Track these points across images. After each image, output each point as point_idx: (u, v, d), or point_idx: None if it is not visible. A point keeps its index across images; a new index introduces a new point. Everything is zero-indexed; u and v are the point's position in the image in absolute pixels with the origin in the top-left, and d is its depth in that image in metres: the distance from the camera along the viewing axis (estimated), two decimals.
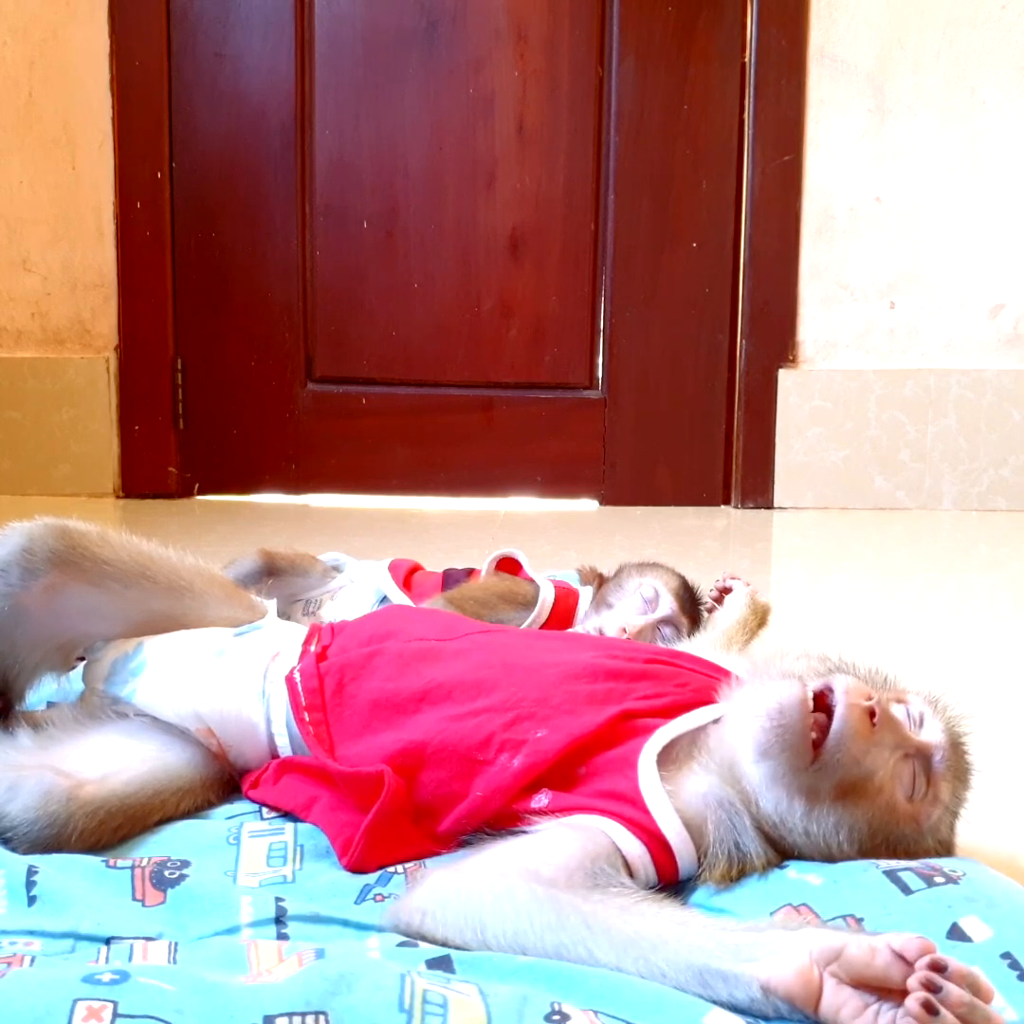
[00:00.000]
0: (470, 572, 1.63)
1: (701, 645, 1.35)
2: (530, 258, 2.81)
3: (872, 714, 0.93)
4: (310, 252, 2.80)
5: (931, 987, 0.71)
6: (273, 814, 1.08)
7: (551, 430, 2.85)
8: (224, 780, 1.12)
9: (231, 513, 2.72)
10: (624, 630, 1.47)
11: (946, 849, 0.95)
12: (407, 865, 0.99)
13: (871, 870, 0.89)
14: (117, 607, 1.15)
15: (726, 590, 1.55)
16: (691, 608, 1.54)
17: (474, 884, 0.87)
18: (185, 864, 0.95)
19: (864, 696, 0.93)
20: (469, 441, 2.85)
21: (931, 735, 0.95)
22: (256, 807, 1.09)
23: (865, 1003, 0.74)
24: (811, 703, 0.93)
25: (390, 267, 2.80)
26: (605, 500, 2.87)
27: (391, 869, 0.98)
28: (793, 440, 2.81)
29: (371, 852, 0.99)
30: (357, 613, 1.47)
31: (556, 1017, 0.73)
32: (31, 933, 0.85)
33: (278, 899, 0.91)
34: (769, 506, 2.83)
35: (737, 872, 0.93)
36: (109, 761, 1.05)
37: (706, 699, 1.03)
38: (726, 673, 1.08)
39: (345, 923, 0.89)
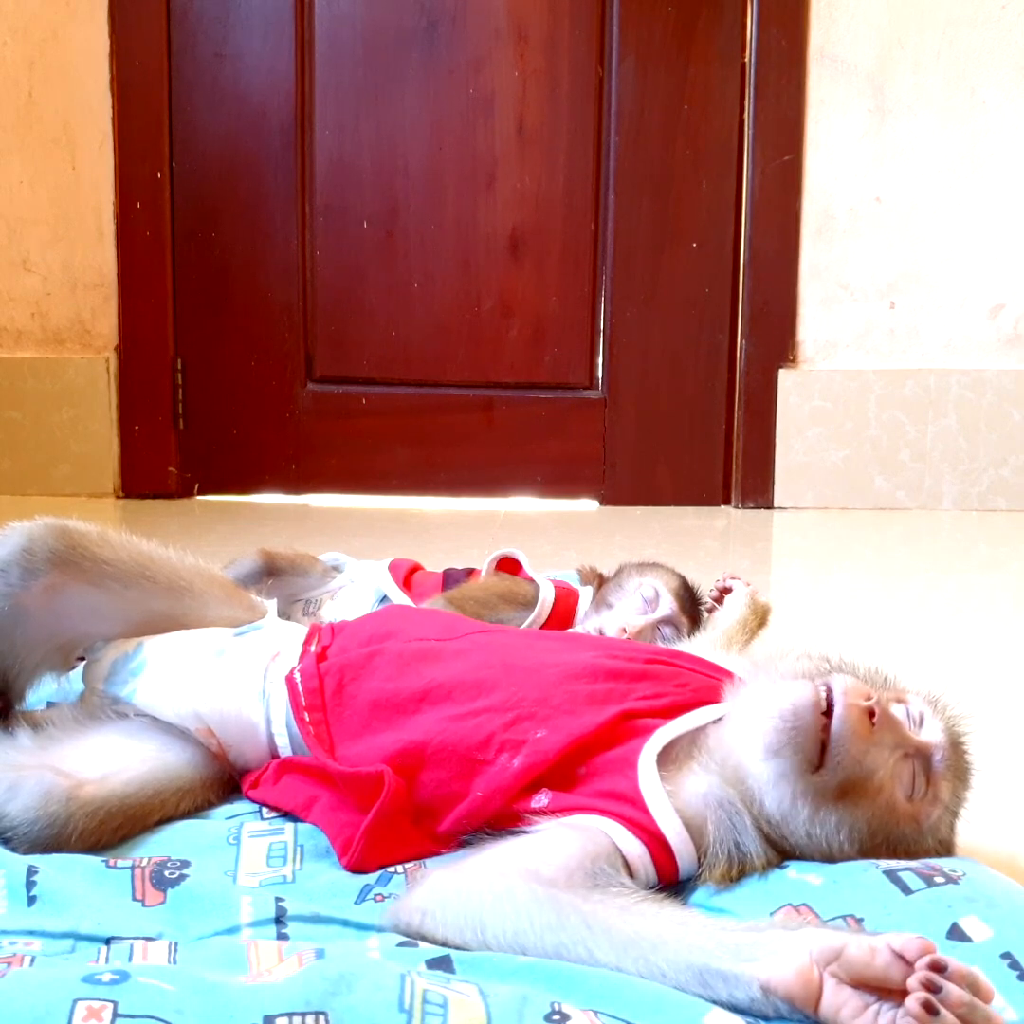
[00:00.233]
0: (470, 572, 1.63)
1: (701, 645, 1.35)
2: (530, 258, 2.81)
3: (871, 714, 0.93)
4: (310, 252, 2.80)
5: (931, 987, 0.71)
6: (273, 814, 1.08)
7: (551, 430, 2.85)
8: (224, 780, 1.12)
9: (231, 513, 2.72)
10: (624, 630, 1.47)
11: (946, 849, 0.95)
12: (407, 865, 0.99)
13: (871, 870, 0.89)
14: (117, 607, 1.15)
15: (726, 590, 1.55)
16: (691, 608, 1.54)
17: (474, 884, 0.87)
18: (185, 864, 0.95)
19: (863, 696, 0.93)
20: (469, 441, 2.85)
21: (931, 735, 0.95)
22: (256, 807, 1.09)
23: (865, 1003, 0.74)
24: (823, 705, 0.93)
25: (390, 267, 2.80)
26: (605, 500, 2.87)
27: (391, 869, 0.98)
28: (793, 440, 2.81)
29: (371, 852, 0.99)
30: (357, 613, 1.48)
31: (556, 1017, 0.73)
32: (31, 933, 0.85)
33: (278, 899, 0.91)
34: (769, 506, 2.83)
35: (737, 872, 0.93)
36: (109, 761, 1.05)
37: (706, 699, 1.03)
38: (726, 673, 1.08)
39: (345, 923, 0.89)
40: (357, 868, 0.98)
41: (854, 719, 0.92)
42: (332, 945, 0.81)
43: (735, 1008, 0.77)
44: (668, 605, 1.51)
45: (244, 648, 1.15)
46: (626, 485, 2.86)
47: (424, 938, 0.85)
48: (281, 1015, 0.69)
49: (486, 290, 2.82)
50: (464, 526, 2.64)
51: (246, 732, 1.11)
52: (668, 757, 0.98)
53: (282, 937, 0.87)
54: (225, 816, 1.08)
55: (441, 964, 0.80)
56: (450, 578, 1.61)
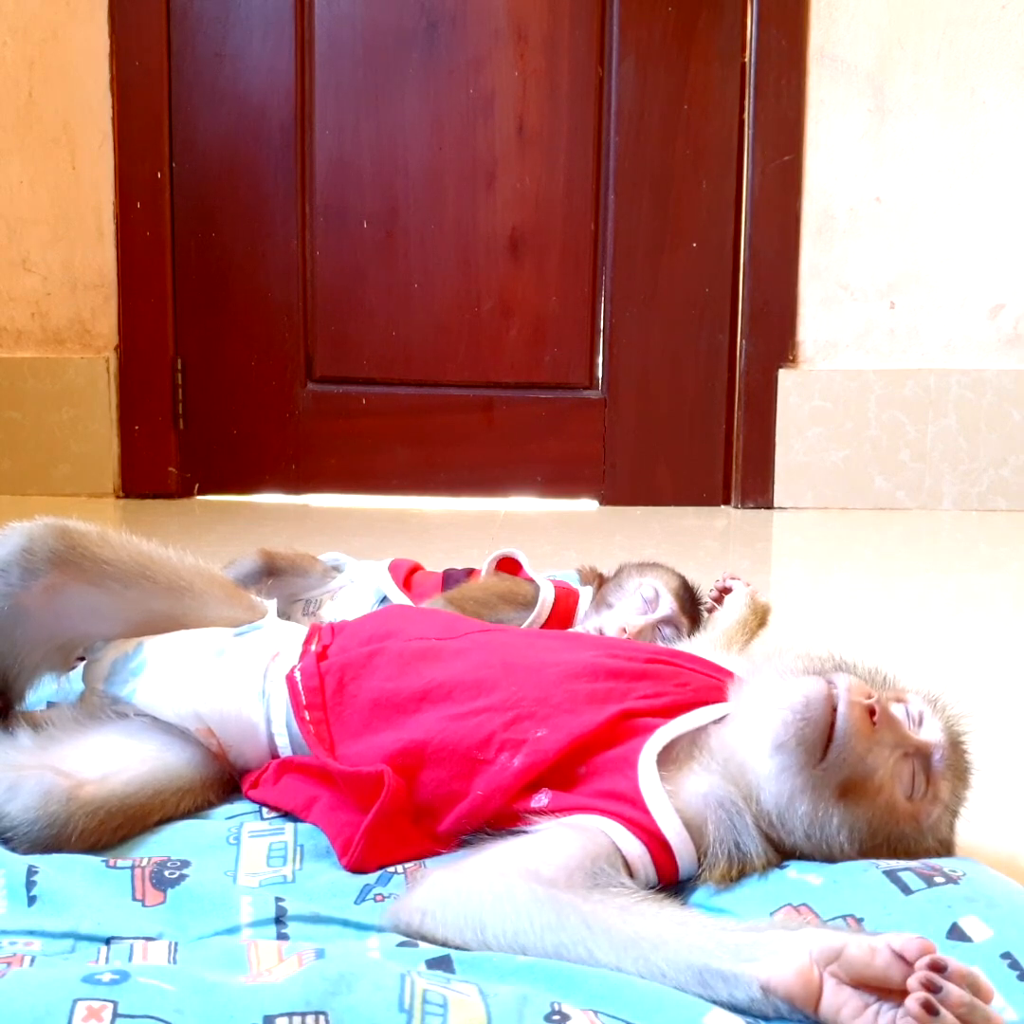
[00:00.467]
0: (470, 572, 1.63)
1: (701, 645, 1.35)
2: (530, 258, 2.81)
3: (872, 713, 0.93)
4: (310, 252, 2.80)
5: (931, 987, 0.71)
6: (273, 814, 1.08)
7: (551, 430, 2.85)
8: (224, 780, 1.12)
9: (231, 513, 2.72)
10: (624, 630, 1.47)
11: (946, 848, 0.95)
12: (407, 865, 0.99)
13: (871, 870, 0.89)
14: (117, 607, 1.15)
15: (726, 590, 1.55)
16: (691, 608, 1.54)
17: (474, 884, 0.87)
18: (185, 864, 0.95)
19: (864, 695, 0.93)
20: (469, 441, 2.85)
21: (930, 734, 0.95)
22: (256, 807, 1.09)
23: (865, 1003, 0.74)
24: (835, 700, 0.93)
25: (390, 267, 2.80)
26: (605, 500, 2.87)
27: (391, 869, 0.98)
28: (793, 440, 2.81)
29: (371, 852, 0.99)
30: (357, 613, 1.47)
31: (556, 1017, 0.73)
32: (31, 933, 0.85)
33: (278, 899, 0.91)
34: (769, 506, 2.83)
35: (737, 872, 0.93)
36: (109, 761, 1.05)
37: (706, 699, 1.03)
38: (726, 673, 1.08)
39: (345, 923, 0.89)
40: (357, 868, 0.98)
41: (856, 718, 0.92)
42: (332, 945, 0.81)
43: (735, 1008, 0.77)
44: (668, 605, 1.51)
45: (244, 648, 1.15)
46: (626, 485, 2.86)
47: (424, 938, 0.85)
48: (281, 1015, 0.69)
49: (486, 290, 2.82)
50: (464, 526, 2.64)
51: (246, 732, 1.11)
52: (668, 757, 0.98)
53: (282, 937, 0.87)
54: (225, 816, 1.08)
55: (441, 964, 0.80)
56: (450, 578, 1.61)
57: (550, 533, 2.58)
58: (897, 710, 0.96)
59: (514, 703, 1.03)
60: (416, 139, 2.77)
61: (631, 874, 0.92)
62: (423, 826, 1.01)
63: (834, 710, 0.92)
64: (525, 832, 0.93)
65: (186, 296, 2.80)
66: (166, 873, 0.94)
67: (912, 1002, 0.71)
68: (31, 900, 0.88)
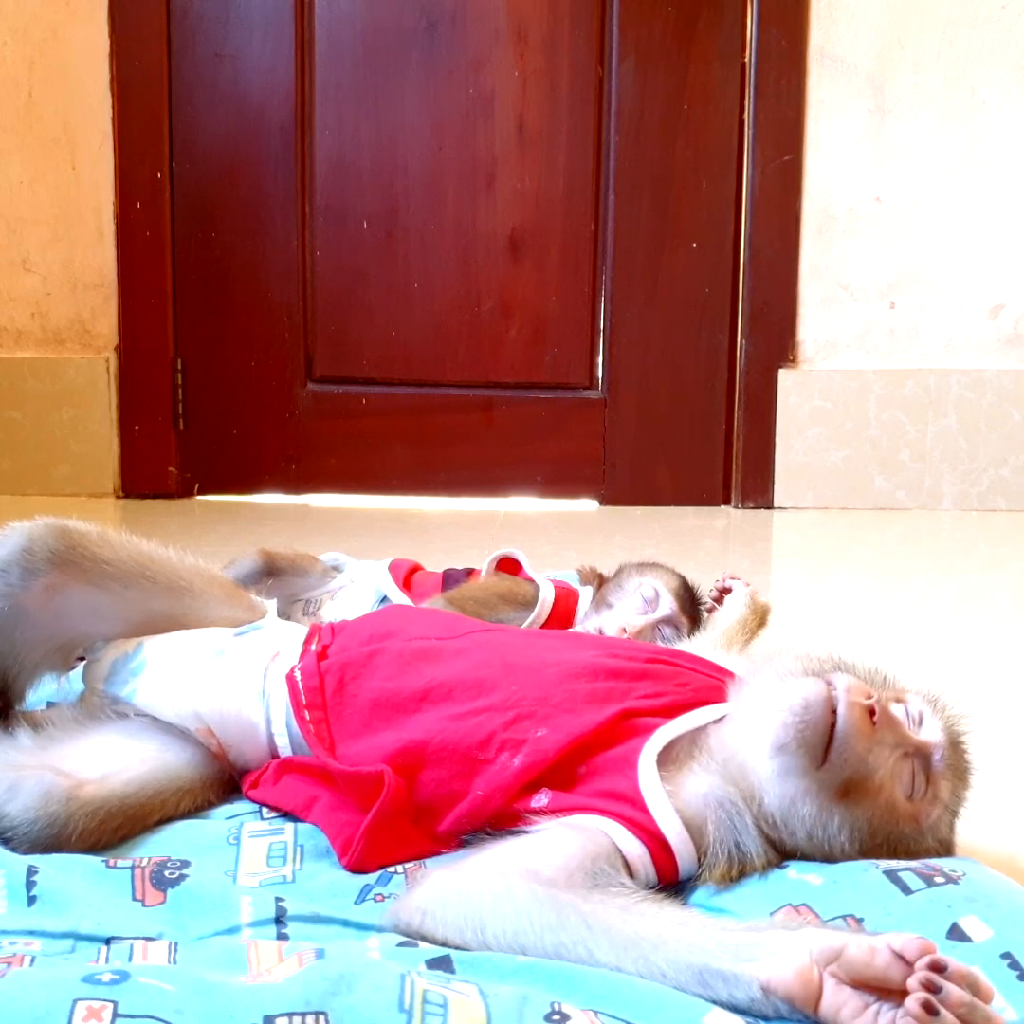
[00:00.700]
0: (470, 572, 1.63)
1: (701, 645, 1.35)
2: (530, 258, 2.81)
3: (872, 713, 0.93)
4: (310, 252, 2.80)
5: (931, 987, 0.71)
6: (273, 814, 1.07)
7: (551, 430, 2.85)
8: (224, 780, 1.12)
9: (231, 513, 2.72)
10: (624, 630, 1.47)
11: (946, 848, 0.95)
12: (407, 865, 0.99)
13: (871, 870, 0.89)
14: (117, 607, 1.15)
15: (726, 590, 1.55)
16: (691, 608, 1.54)
17: (474, 884, 0.87)
18: (185, 864, 0.95)
19: (864, 695, 0.93)
20: (469, 441, 2.85)
21: (930, 734, 0.95)
22: (256, 807, 1.09)
23: (865, 1003, 0.74)
24: (834, 701, 0.93)
25: (390, 267, 2.80)
26: (605, 500, 2.87)
27: (391, 869, 0.98)
28: (793, 440, 2.81)
29: (371, 852, 0.99)
30: (357, 613, 1.47)
31: (556, 1017, 0.73)
32: (31, 933, 0.85)
33: (278, 899, 0.91)
34: (769, 506, 2.83)
35: (737, 872, 0.93)
36: (109, 761, 1.05)
37: (706, 699, 1.03)
38: (726, 673, 1.08)
39: (345, 923, 0.89)
40: (357, 868, 0.98)
41: (856, 718, 0.92)
42: (332, 945, 0.81)
43: (735, 1008, 0.77)
44: (668, 605, 1.51)
45: (244, 648, 1.15)
46: (626, 485, 2.86)
47: (424, 938, 0.85)
48: (281, 1015, 0.69)
49: (486, 290, 2.82)
50: (464, 526, 2.64)
51: (246, 732, 1.11)
52: (668, 757, 0.98)
53: (282, 937, 0.87)
54: (225, 816, 1.08)
55: (441, 964, 0.80)
56: (450, 578, 1.61)
57: (550, 533, 2.58)
58: (897, 710, 0.95)
59: (514, 703, 1.03)
60: (416, 139, 2.77)
61: (631, 874, 0.92)
62: (423, 826, 1.01)
63: (834, 712, 0.92)
64: (525, 832, 0.93)
65: (186, 296, 2.80)
66: (166, 873, 0.94)
67: (912, 1002, 0.71)
68: (31, 900, 0.88)
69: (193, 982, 0.72)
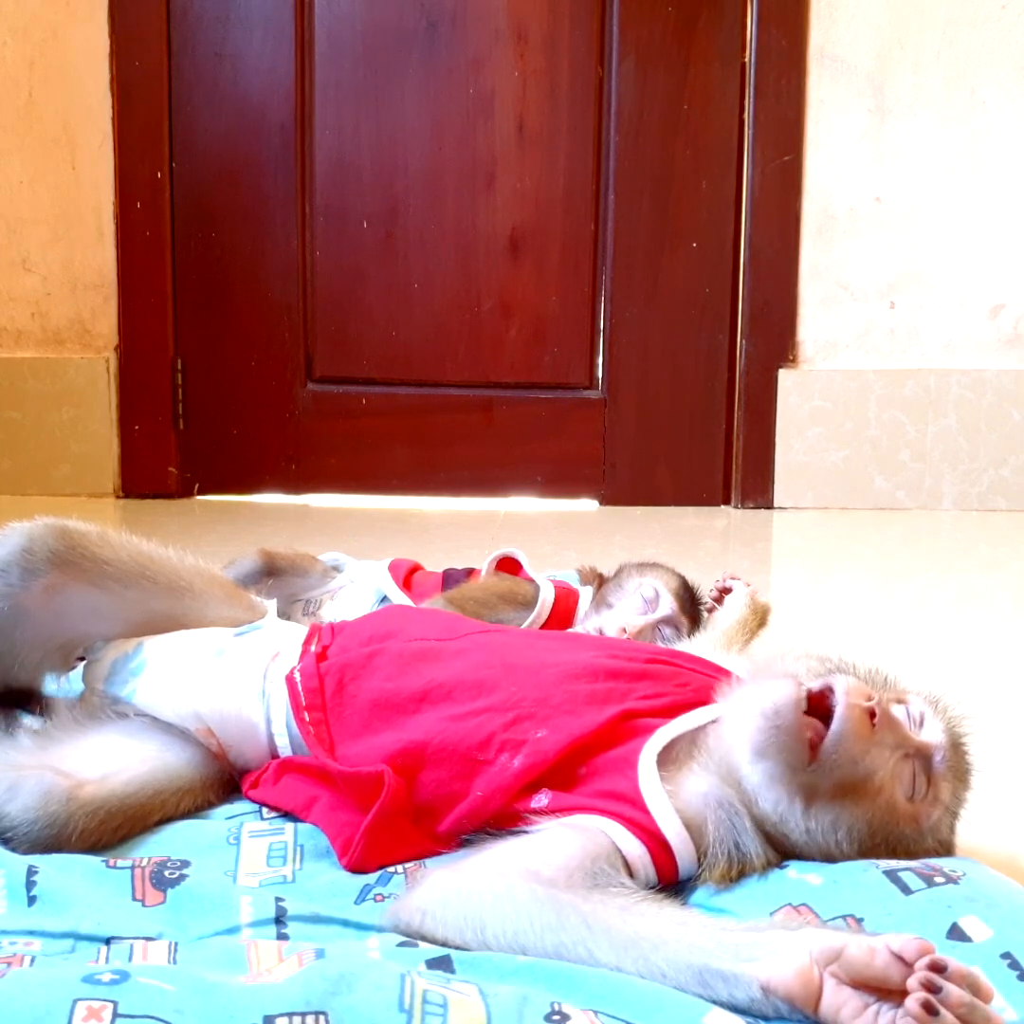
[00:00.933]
0: (470, 572, 1.63)
1: (701, 645, 1.35)
2: (530, 258, 2.81)
3: (872, 714, 0.92)
4: (310, 252, 2.80)
5: (931, 987, 0.71)
6: (273, 814, 1.08)
7: (551, 430, 2.85)
8: (224, 780, 1.12)
9: (231, 513, 2.72)
10: (624, 630, 1.47)
11: (946, 849, 0.95)
12: (407, 865, 0.99)
13: (871, 870, 0.89)
14: (117, 607, 1.15)
15: (726, 590, 1.54)
16: (691, 608, 1.54)
17: (474, 884, 0.87)
18: (185, 864, 0.95)
19: (864, 696, 0.93)
20: (469, 441, 2.85)
21: (931, 735, 0.95)
22: (256, 807, 1.09)
23: (865, 1003, 0.74)
24: (805, 703, 0.93)
25: (390, 267, 2.80)
26: (605, 500, 2.87)
27: (391, 869, 0.98)
28: (793, 440, 2.81)
29: (371, 852, 0.99)
30: (357, 613, 1.48)
31: (556, 1017, 0.73)
32: (31, 933, 0.85)
33: (278, 899, 0.91)
34: (769, 506, 2.83)
35: (737, 872, 0.93)
36: (109, 761, 1.05)
37: (706, 699, 1.03)
38: (726, 673, 1.08)
39: (345, 923, 0.89)
40: (357, 868, 0.98)
41: (855, 719, 0.92)
42: (332, 945, 0.81)
43: (735, 1008, 0.77)
44: (668, 605, 1.51)
45: (244, 648, 1.15)
46: (626, 485, 2.86)
47: (424, 938, 0.85)
48: (281, 1015, 0.69)
49: (486, 290, 2.82)
50: (464, 526, 2.64)
51: (246, 732, 1.11)
52: (668, 757, 0.98)
53: (282, 937, 0.87)
54: (225, 816, 1.08)
55: (441, 964, 0.80)
56: (450, 578, 1.61)
57: (550, 533, 2.58)
58: (898, 711, 0.95)
59: (514, 704, 1.03)
60: (416, 139, 2.77)
61: (631, 874, 0.92)
62: (423, 826, 1.01)
63: (804, 712, 0.92)
64: (525, 832, 0.93)
65: (186, 296, 2.80)
66: (166, 873, 0.94)
67: (912, 1002, 0.71)
68: (31, 900, 0.88)
69: (193, 982, 0.72)
